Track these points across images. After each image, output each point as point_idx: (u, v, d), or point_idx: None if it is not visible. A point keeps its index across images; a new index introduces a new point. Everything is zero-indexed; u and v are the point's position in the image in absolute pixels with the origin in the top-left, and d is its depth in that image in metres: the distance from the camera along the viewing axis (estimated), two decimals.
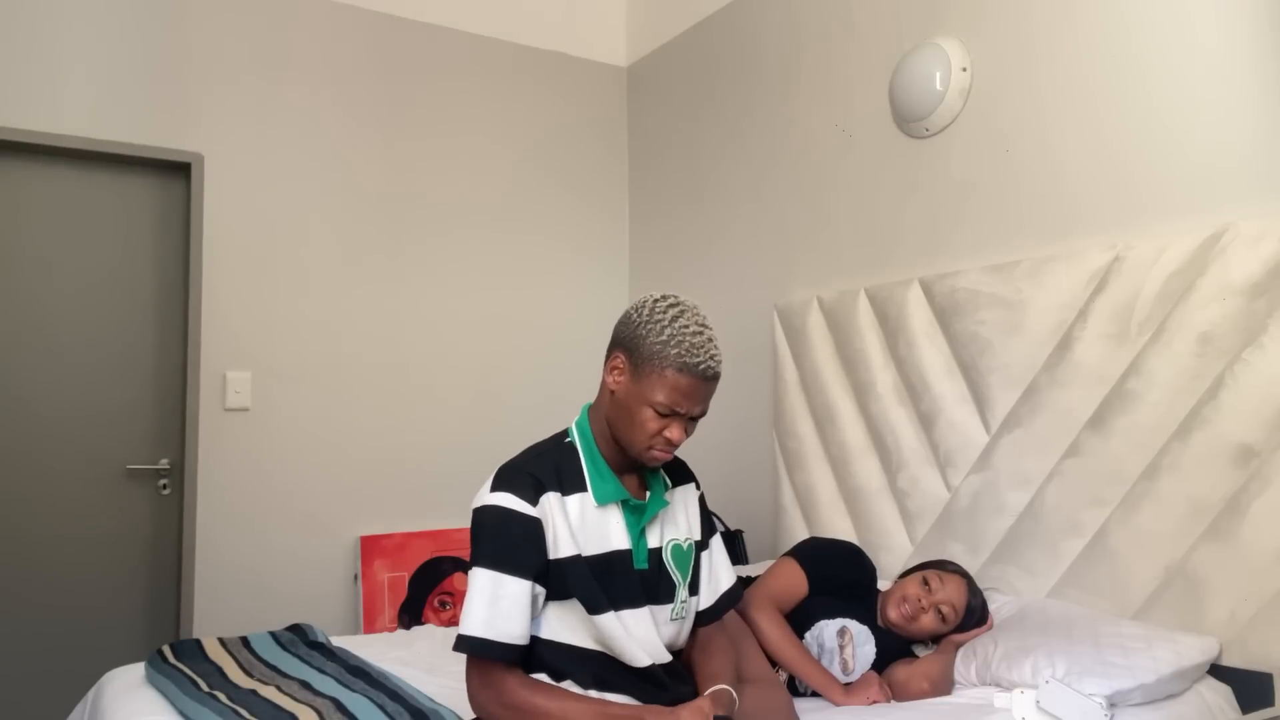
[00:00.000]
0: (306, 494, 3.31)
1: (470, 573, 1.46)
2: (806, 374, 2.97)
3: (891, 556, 2.61)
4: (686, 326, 1.45)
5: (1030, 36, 2.39)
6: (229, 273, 3.20)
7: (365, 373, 3.44)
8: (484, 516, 1.47)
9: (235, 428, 3.19)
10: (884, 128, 2.82)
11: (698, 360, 1.43)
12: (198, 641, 2.23)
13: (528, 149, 3.85)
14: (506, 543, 1.44)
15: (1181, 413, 1.98)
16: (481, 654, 1.42)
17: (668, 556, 1.58)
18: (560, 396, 3.79)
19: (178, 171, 3.20)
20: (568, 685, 1.51)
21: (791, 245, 3.17)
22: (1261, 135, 1.93)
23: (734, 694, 1.55)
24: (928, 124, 2.63)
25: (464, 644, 1.43)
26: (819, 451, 2.92)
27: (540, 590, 1.47)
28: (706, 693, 1.54)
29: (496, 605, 1.42)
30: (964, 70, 2.53)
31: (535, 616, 1.49)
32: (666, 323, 1.45)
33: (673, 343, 1.43)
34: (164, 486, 3.16)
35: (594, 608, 1.47)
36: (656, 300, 1.50)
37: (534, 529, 1.45)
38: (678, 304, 1.49)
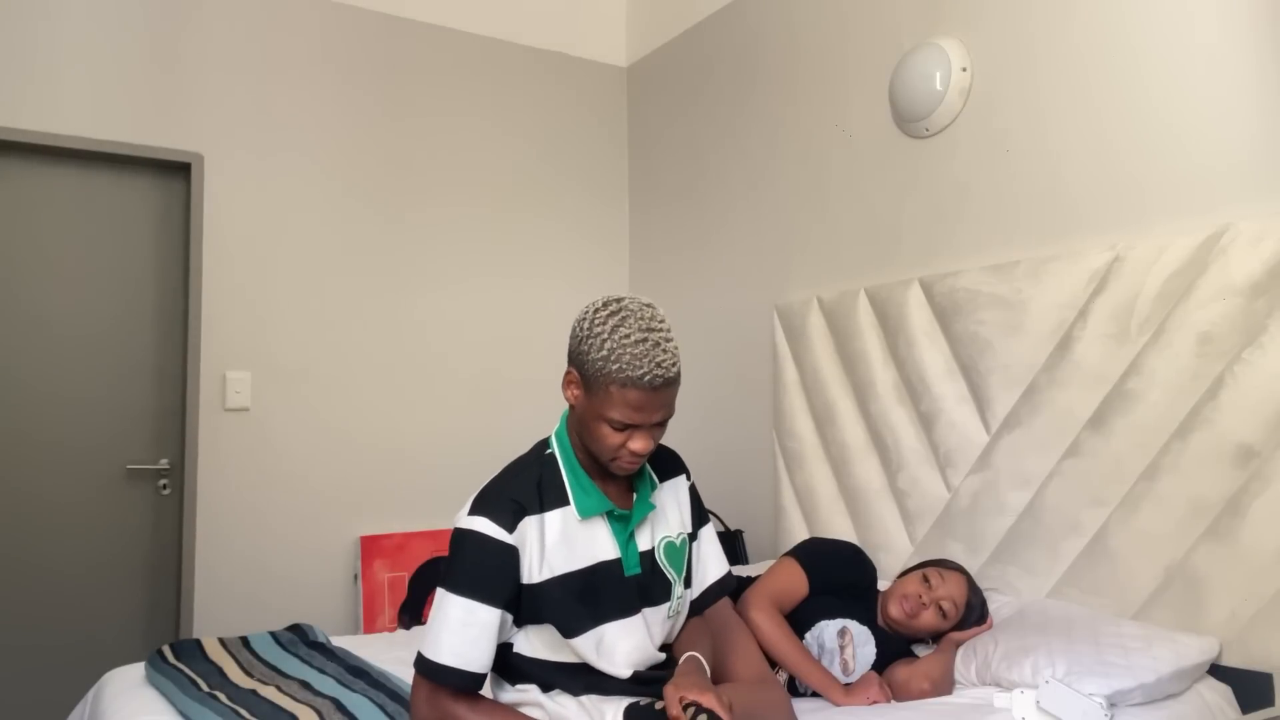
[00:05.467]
0: (306, 494, 3.31)
1: (439, 594, 1.44)
2: (806, 374, 2.97)
3: (891, 556, 2.61)
4: (628, 336, 1.37)
5: (1030, 36, 2.39)
6: (229, 273, 3.20)
7: (365, 372, 3.44)
8: (461, 541, 1.45)
9: (235, 428, 3.20)
10: (884, 128, 2.82)
11: (641, 372, 1.36)
12: (198, 641, 2.23)
13: (527, 151, 3.85)
14: (481, 569, 1.42)
15: (1181, 413, 1.98)
16: (445, 681, 1.41)
17: (661, 556, 1.57)
18: (560, 396, 3.79)
19: (178, 171, 3.20)
20: (556, 694, 1.51)
21: (791, 245, 3.17)
22: (1261, 135, 1.93)
23: (701, 659, 1.55)
24: (928, 124, 2.63)
25: (427, 668, 1.42)
26: (819, 451, 2.92)
27: (509, 617, 1.46)
28: (680, 662, 1.54)
29: (465, 632, 1.41)
30: (964, 70, 2.53)
31: (503, 639, 1.48)
32: (606, 335, 1.38)
33: (613, 357, 1.36)
34: (164, 486, 3.16)
35: (569, 632, 1.46)
36: (598, 309, 1.42)
37: (510, 557, 1.43)
38: (619, 310, 1.40)
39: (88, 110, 3.01)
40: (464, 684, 1.42)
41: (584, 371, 1.42)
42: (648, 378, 1.37)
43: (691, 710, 1.36)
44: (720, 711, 1.36)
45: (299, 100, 3.36)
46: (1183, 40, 2.07)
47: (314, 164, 3.38)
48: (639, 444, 1.43)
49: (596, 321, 1.40)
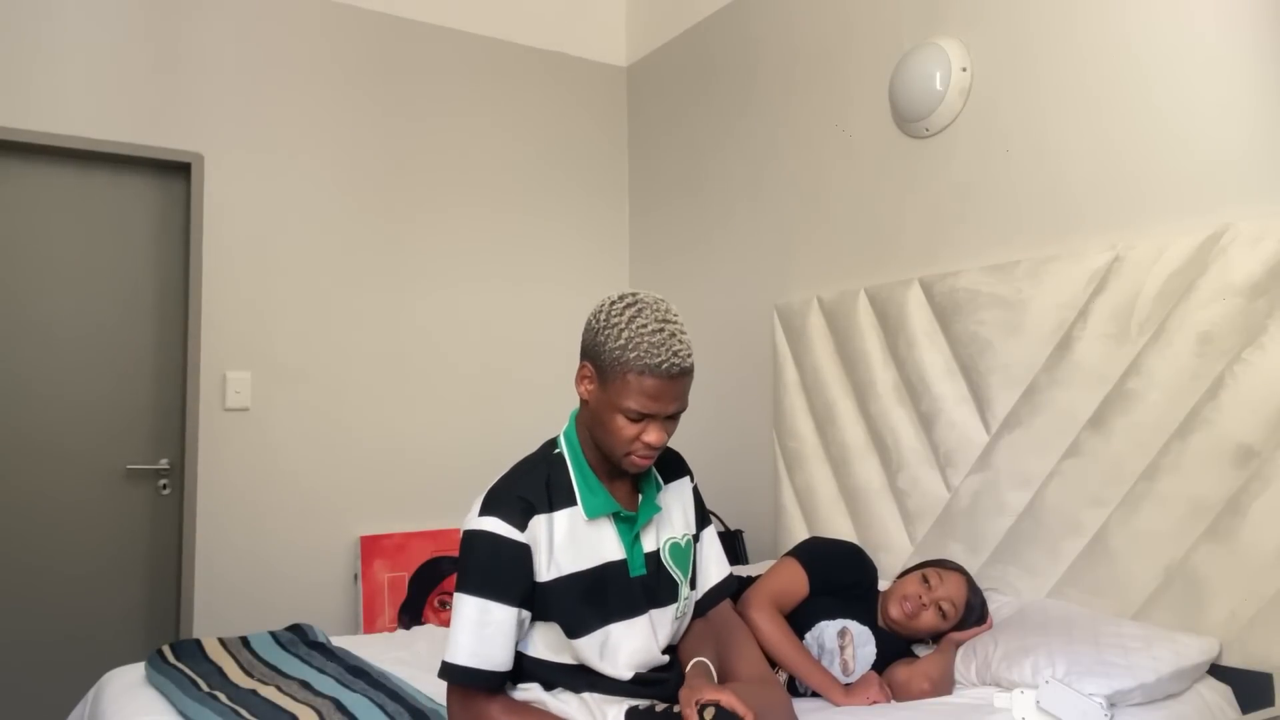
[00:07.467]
0: (306, 494, 3.31)
1: (456, 598, 1.45)
2: (806, 374, 2.97)
3: (891, 556, 2.61)
4: (645, 326, 1.40)
5: (1030, 36, 2.39)
6: (229, 273, 3.20)
7: (365, 372, 3.44)
8: (472, 541, 1.45)
9: (235, 428, 3.20)
10: (884, 128, 2.82)
11: (659, 360, 1.39)
12: (198, 641, 2.23)
13: (527, 151, 3.85)
14: (494, 569, 1.43)
15: (1181, 413, 1.98)
16: (467, 683, 1.42)
17: (666, 557, 1.58)
18: (560, 396, 3.79)
19: (178, 171, 3.20)
20: (559, 692, 1.52)
21: (791, 245, 3.17)
22: (1261, 135, 1.93)
23: (710, 665, 1.56)
24: (928, 124, 2.63)
25: (449, 672, 1.42)
26: (819, 451, 2.92)
27: (526, 614, 1.46)
28: (688, 667, 1.55)
29: (483, 632, 1.41)
30: (964, 70, 2.53)
31: (521, 637, 1.49)
32: (624, 325, 1.41)
33: (630, 346, 1.39)
34: (164, 486, 3.16)
35: (573, 632, 1.47)
36: (614, 302, 1.45)
37: (522, 555, 1.44)
38: (635, 303, 1.44)
39: (88, 110, 3.01)
40: (486, 684, 1.42)
41: (600, 363, 1.43)
42: (665, 365, 1.39)
43: (710, 711, 1.37)
44: (738, 709, 1.36)
45: (299, 100, 3.36)
46: (1183, 40, 2.07)
47: (314, 164, 3.38)
48: (653, 436, 1.44)
49: (613, 313, 1.43)
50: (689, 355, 1.43)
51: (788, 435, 3.03)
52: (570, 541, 1.48)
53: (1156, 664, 1.76)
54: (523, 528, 1.44)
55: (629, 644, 1.50)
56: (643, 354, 1.39)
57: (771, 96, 3.28)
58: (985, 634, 2.05)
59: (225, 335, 3.19)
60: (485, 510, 1.46)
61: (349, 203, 3.44)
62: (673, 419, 1.47)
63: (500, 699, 1.46)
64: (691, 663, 1.55)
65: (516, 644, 1.47)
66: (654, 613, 1.54)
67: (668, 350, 1.40)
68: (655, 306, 1.44)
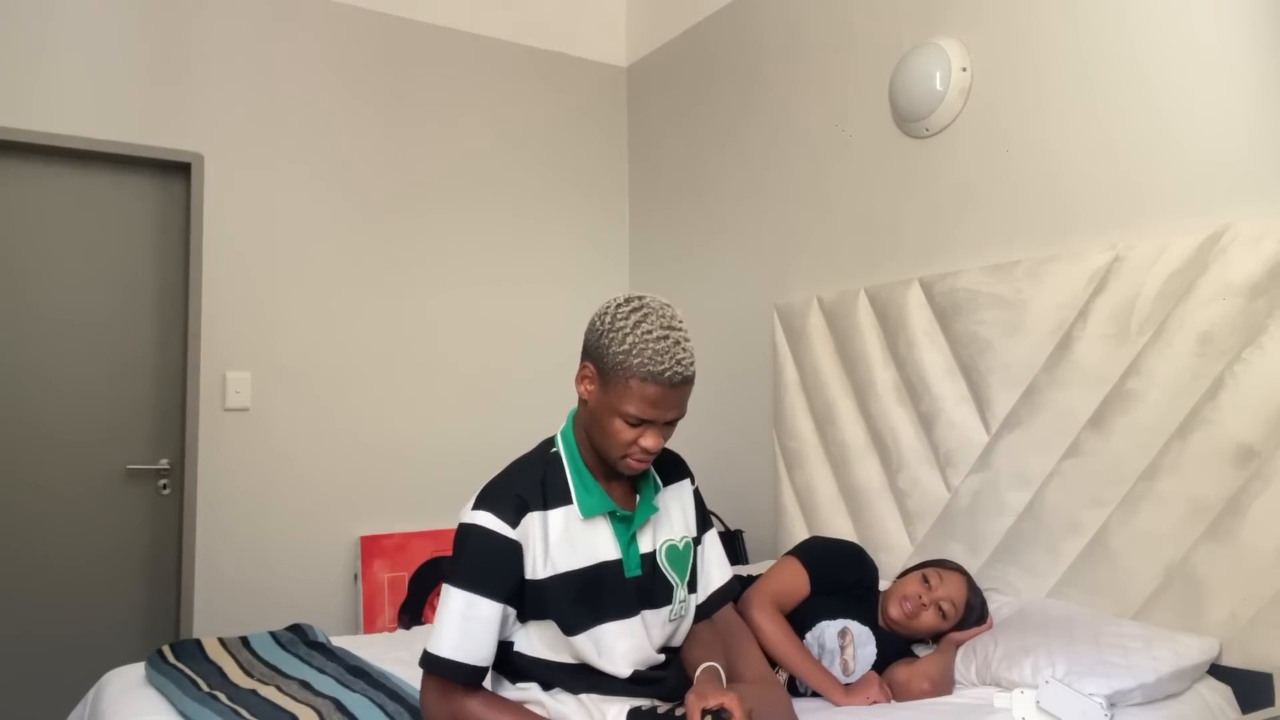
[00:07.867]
0: (306, 494, 3.31)
1: (444, 589, 1.46)
2: (806, 374, 2.97)
3: (891, 556, 2.61)
4: (650, 332, 1.39)
5: (1030, 36, 2.39)
6: (229, 273, 3.20)
7: (365, 372, 3.44)
8: (464, 535, 1.46)
9: (235, 428, 3.20)
10: (884, 128, 2.82)
11: (662, 368, 1.38)
12: (198, 641, 2.23)
13: (527, 151, 3.85)
14: (483, 564, 1.43)
15: (1181, 413, 1.98)
16: (446, 675, 1.42)
17: (662, 559, 1.57)
18: (561, 396, 3.79)
19: (178, 171, 3.20)
20: (557, 692, 1.51)
21: (791, 245, 3.17)
22: (1261, 135, 1.93)
23: (720, 669, 1.55)
24: (928, 124, 2.63)
25: (430, 663, 1.43)
26: (819, 451, 2.92)
27: (511, 611, 1.46)
28: (698, 672, 1.54)
29: (467, 626, 1.42)
30: (964, 70, 2.53)
31: (506, 634, 1.49)
32: (629, 329, 1.40)
33: (635, 351, 1.38)
34: (164, 486, 3.16)
35: (569, 629, 1.47)
36: (619, 305, 1.44)
37: (512, 552, 1.44)
38: (641, 307, 1.43)
39: (88, 110, 3.01)
40: (465, 677, 1.42)
41: (602, 365, 1.43)
42: (668, 374, 1.39)
43: (710, 718, 1.37)
44: (734, 711, 1.36)
45: (299, 100, 3.36)
46: (1183, 40, 2.07)
47: (313, 164, 3.38)
48: (650, 441, 1.44)
49: (619, 316, 1.42)
50: (691, 364, 1.43)
51: (788, 435, 3.03)
52: (565, 540, 1.48)
53: (1156, 664, 1.76)
54: (515, 524, 1.45)
55: (622, 644, 1.50)
56: (646, 361, 1.38)
57: (771, 96, 3.28)
58: (985, 634, 2.05)
59: (225, 335, 3.19)
60: (479, 505, 1.46)
61: (348, 203, 3.44)
62: (670, 425, 1.47)
63: (480, 694, 1.46)
64: (701, 667, 1.55)
65: (503, 640, 1.47)
66: (647, 614, 1.53)
67: (671, 358, 1.39)
68: (660, 312, 1.43)
